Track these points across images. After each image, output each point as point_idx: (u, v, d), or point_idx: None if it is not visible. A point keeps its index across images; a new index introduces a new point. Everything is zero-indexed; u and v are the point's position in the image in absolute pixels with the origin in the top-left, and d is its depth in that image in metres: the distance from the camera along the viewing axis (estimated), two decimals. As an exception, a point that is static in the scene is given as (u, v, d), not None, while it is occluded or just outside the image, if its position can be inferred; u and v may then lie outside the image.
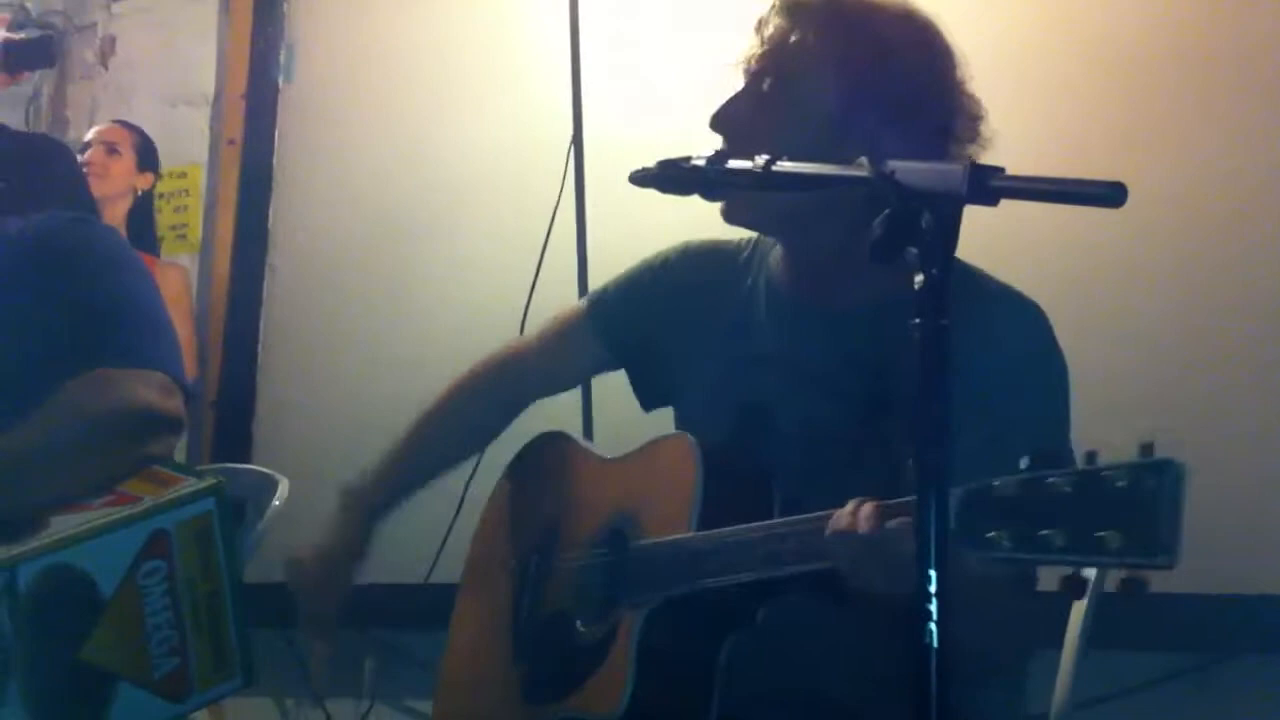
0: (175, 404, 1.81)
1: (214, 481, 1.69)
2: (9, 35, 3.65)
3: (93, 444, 1.72)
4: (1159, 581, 2.68)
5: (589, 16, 3.43)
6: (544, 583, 1.88)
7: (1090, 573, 1.89)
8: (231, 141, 4.15)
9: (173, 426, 1.81)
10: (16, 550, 1.55)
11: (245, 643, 1.71)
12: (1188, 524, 2.69)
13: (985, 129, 1.71)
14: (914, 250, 1.12)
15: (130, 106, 4.32)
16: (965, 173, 1.12)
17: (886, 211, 1.15)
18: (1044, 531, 1.11)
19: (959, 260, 1.63)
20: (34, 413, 1.71)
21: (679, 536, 1.62)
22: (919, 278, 1.11)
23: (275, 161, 4.03)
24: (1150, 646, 2.74)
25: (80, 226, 1.96)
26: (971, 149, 1.70)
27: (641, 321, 1.91)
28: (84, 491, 1.67)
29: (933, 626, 1.07)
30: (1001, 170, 1.13)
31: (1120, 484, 1.08)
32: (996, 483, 1.17)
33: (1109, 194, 1.08)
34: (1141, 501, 1.07)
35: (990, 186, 1.13)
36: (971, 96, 1.72)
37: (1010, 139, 1.73)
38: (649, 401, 1.94)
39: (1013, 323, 1.66)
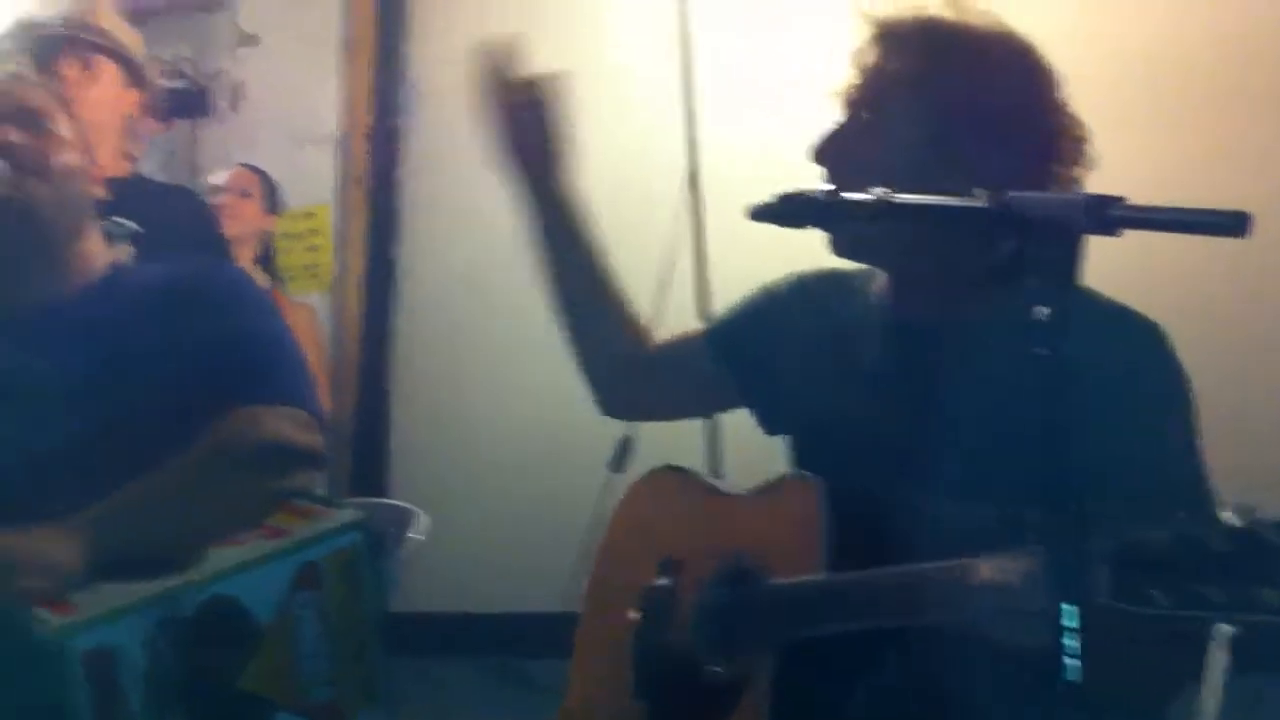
0: (315, 439, 1.86)
1: (360, 515, 1.74)
2: (166, 84, 3.77)
3: (240, 480, 1.77)
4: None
5: (701, 48, 3.46)
6: (665, 618, 1.86)
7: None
8: (358, 180, 4.24)
9: (313, 460, 1.86)
10: (176, 583, 1.61)
11: (389, 675, 1.75)
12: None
13: (1089, 149, 1.69)
14: (1034, 280, 1.12)
15: (259, 149, 4.42)
16: (1084, 203, 1.13)
17: (1007, 243, 1.16)
18: (1201, 588, 1.09)
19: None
20: (183, 452, 1.77)
21: (810, 579, 1.60)
22: (1039, 310, 1.11)
23: (401, 198, 4.11)
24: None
25: (215, 270, 2.05)
26: (1076, 170, 1.68)
27: (758, 346, 1.90)
28: (233, 525, 1.72)
29: (1072, 661, 1.07)
30: (1121, 200, 1.13)
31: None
32: (1151, 536, 1.15)
33: (1231, 223, 1.08)
34: None
35: (1110, 217, 1.13)
36: (1073, 117, 1.69)
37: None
38: (771, 426, 1.93)
39: (1132, 344, 1.62)
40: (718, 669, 1.72)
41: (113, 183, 3.11)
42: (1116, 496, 1.31)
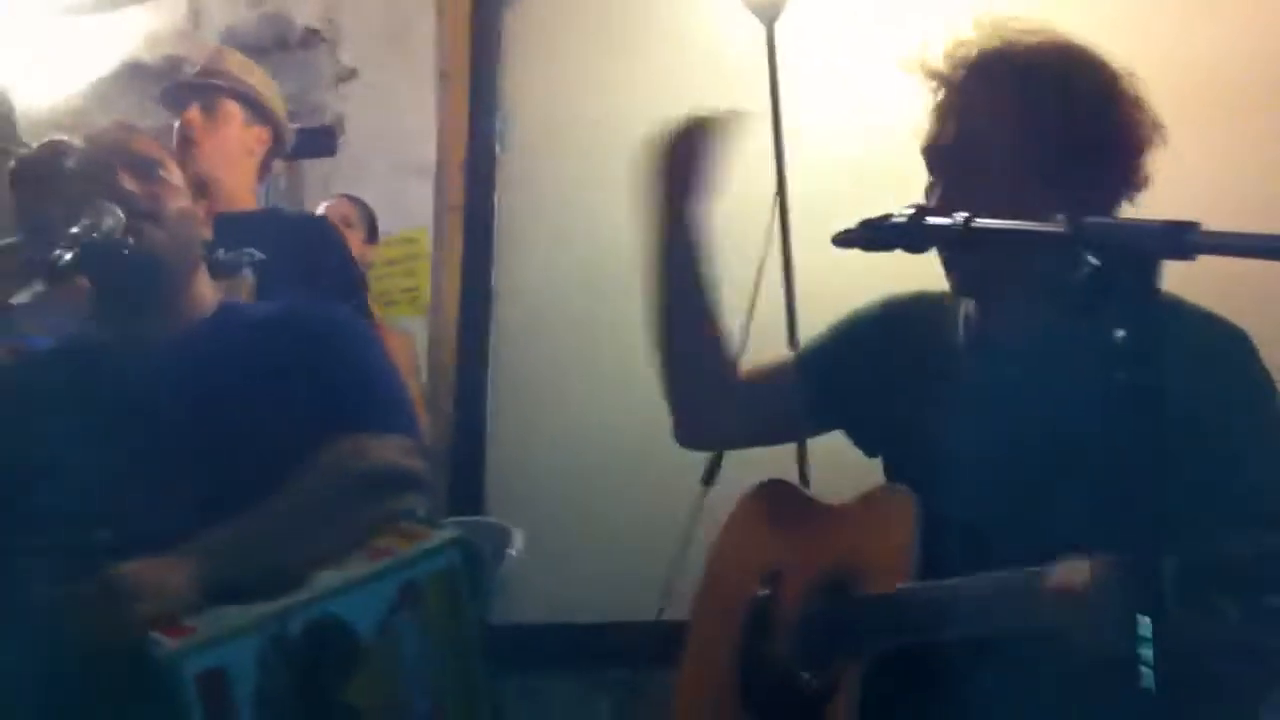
0: (417, 464, 1.95)
1: (458, 535, 1.81)
2: (295, 124, 3.90)
3: (347, 503, 1.85)
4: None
5: (789, 68, 3.51)
6: (769, 628, 1.91)
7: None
8: (454, 208, 4.33)
9: (416, 484, 1.95)
10: (284, 604, 1.69)
11: (491, 688, 1.81)
12: None
13: (1157, 135, 1.71)
14: (1112, 305, 1.15)
15: (360, 179, 4.53)
16: (1160, 230, 1.15)
17: (1088, 269, 1.17)
18: (1272, 602, 1.13)
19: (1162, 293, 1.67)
20: (294, 478, 1.86)
21: (895, 589, 1.65)
22: (1120, 333, 1.14)
23: (496, 225, 4.20)
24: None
25: (319, 307, 2.14)
26: (1141, 160, 1.71)
27: (850, 370, 1.93)
28: (341, 547, 1.80)
29: (1149, 671, 1.09)
30: (1197, 225, 1.15)
31: None
32: (1224, 549, 1.19)
33: None
34: None
35: (1185, 243, 1.14)
36: (1155, 127, 1.72)
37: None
38: (868, 448, 1.96)
39: (1218, 351, 1.64)
40: (810, 677, 1.77)
41: (245, 216, 3.27)
42: (1206, 508, 1.33)
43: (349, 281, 3.33)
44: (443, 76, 4.48)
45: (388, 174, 4.40)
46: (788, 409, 2.01)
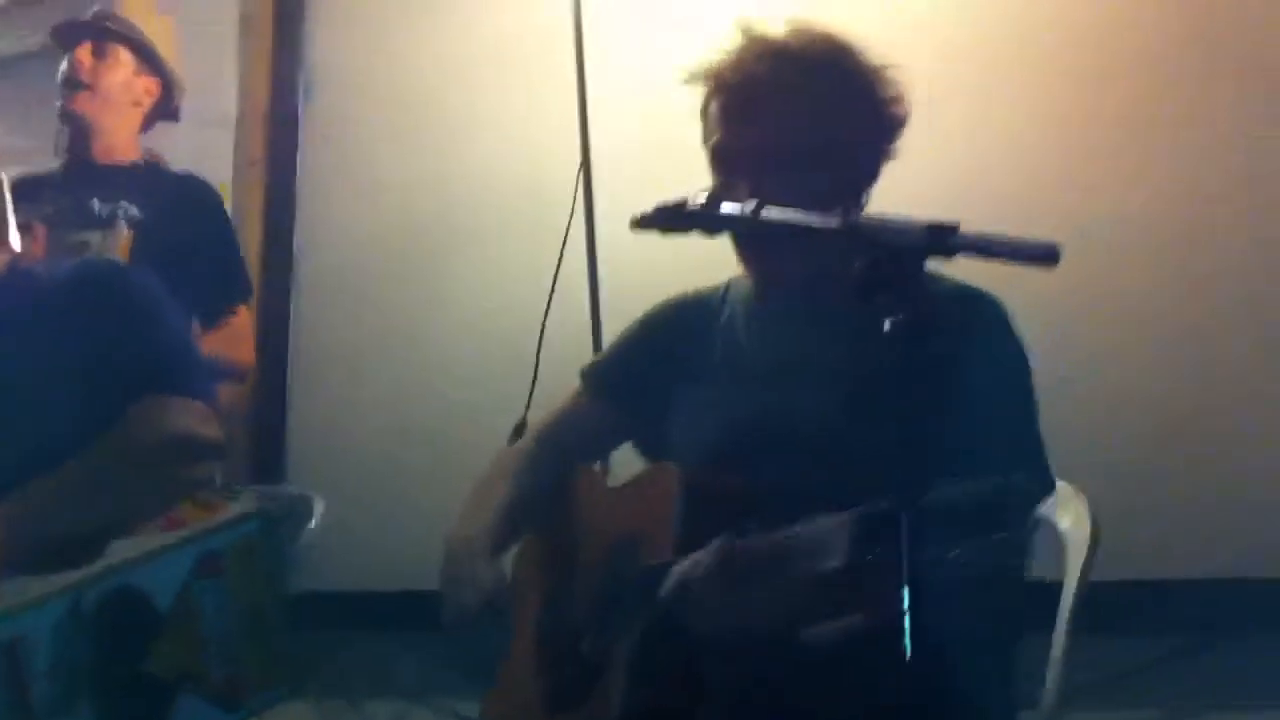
0: (215, 430, 1.94)
1: (257, 505, 1.82)
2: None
3: (143, 471, 1.85)
4: (1153, 567, 2.78)
5: (594, 32, 3.53)
6: (562, 604, 1.99)
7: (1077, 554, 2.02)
8: (254, 162, 4.23)
9: (214, 452, 1.94)
10: (80, 576, 1.69)
11: (291, 652, 1.83)
12: (1186, 512, 2.79)
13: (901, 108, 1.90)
14: (882, 295, 1.26)
15: (155, 131, 4.40)
16: (924, 230, 1.28)
17: (861, 263, 1.29)
18: (988, 540, 1.27)
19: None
20: (87, 448, 1.84)
21: (656, 563, 1.73)
22: (888, 321, 1.25)
23: (299, 180, 4.12)
24: (1144, 632, 2.82)
25: (113, 268, 2.10)
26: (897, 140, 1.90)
27: (636, 379, 2.04)
28: (138, 517, 1.80)
29: (907, 641, 1.19)
30: (956, 227, 1.28)
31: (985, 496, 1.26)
32: (951, 495, 1.34)
33: (1044, 254, 1.24)
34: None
35: (948, 243, 1.28)
36: (887, 81, 1.90)
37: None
38: (654, 454, 2.04)
39: (971, 321, 1.78)
40: (589, 650, 1.85)
41: (127, 168, 3.18)
42: (964, 468, 1.46)
43: (228, 251, 3.27)
44: (244, 21, 4.35)
45: (184, 125, 4.26)
46: (609, 429, 2.12)
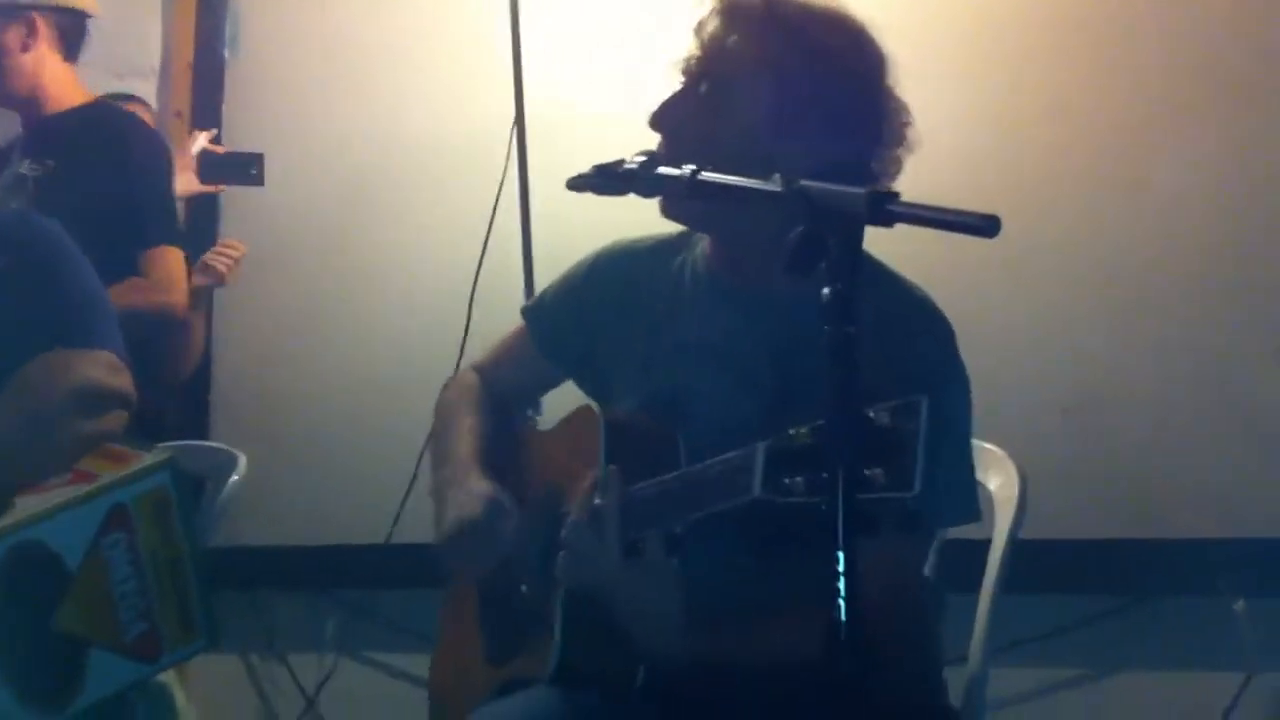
0: (123, 380, 1.89)
1: (168, 456, 1.76)
2: (209, 147, 3.67)
3: (47, 425, 1.80)
4: (1082, 527, 2.81)
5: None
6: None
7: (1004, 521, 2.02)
8: (178, 114, 4.16)
9: (123, 402, 1.88)
10: None
11: (208, 606, 1.79)
12: (1107, 473, 2.82)
13: (911, 133, 1.80)
14: (823, 264, 1.25)
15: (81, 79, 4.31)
16: (866, 197, 1.26)
17: (799, 229, 1.27)
18: (831, 473, 1.22)
19: (880, 263, 1.76)
20: None
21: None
22: (825, 290, 1.23)
23: (224, 134, 4.05)
24: (1070, 590, 2.85)
25: (18, 216, 2.06)
26: (899, 151, 1.80)
27: (576, 328, 1.99)
28: (43, 472, 1.74)
29: (841, 603, 1.18)
30: (896, 195, 1.27)
31: (884, 425, 1.26)
32: (791, 432, 1.34)
33: (983, 225, 1.22)
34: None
35: (885, 211, 1.26)
36: (899, 101, 1.80)
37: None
38: (596, 394, 2.00)
39: (920, 332, 1.75)
40: (526, 595, 1.84)
41: (61, 116, 3.09)
42: None
43: (141, 195, 3.19)
44: (169, -31, 4.25)
45: (106, 77, 4.17)
46: (546, 375, 2.09)
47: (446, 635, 2.11)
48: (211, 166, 3.61)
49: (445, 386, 2.14)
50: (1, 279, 1.89)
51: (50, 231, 2.03)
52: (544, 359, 2.06)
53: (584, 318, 1.98)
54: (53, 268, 1.95)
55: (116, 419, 1.87)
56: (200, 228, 3.95)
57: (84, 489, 1.72)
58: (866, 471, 1.24)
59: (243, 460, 2.30)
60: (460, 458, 1.97)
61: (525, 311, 2.10)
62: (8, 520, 1.65)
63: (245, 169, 3.62)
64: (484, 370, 2.13)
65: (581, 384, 2.03)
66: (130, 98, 3.87)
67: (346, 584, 3.69)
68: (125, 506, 1.71)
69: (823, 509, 1.21)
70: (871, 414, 1.27)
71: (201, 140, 3.66)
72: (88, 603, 1.69)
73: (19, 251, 1.94)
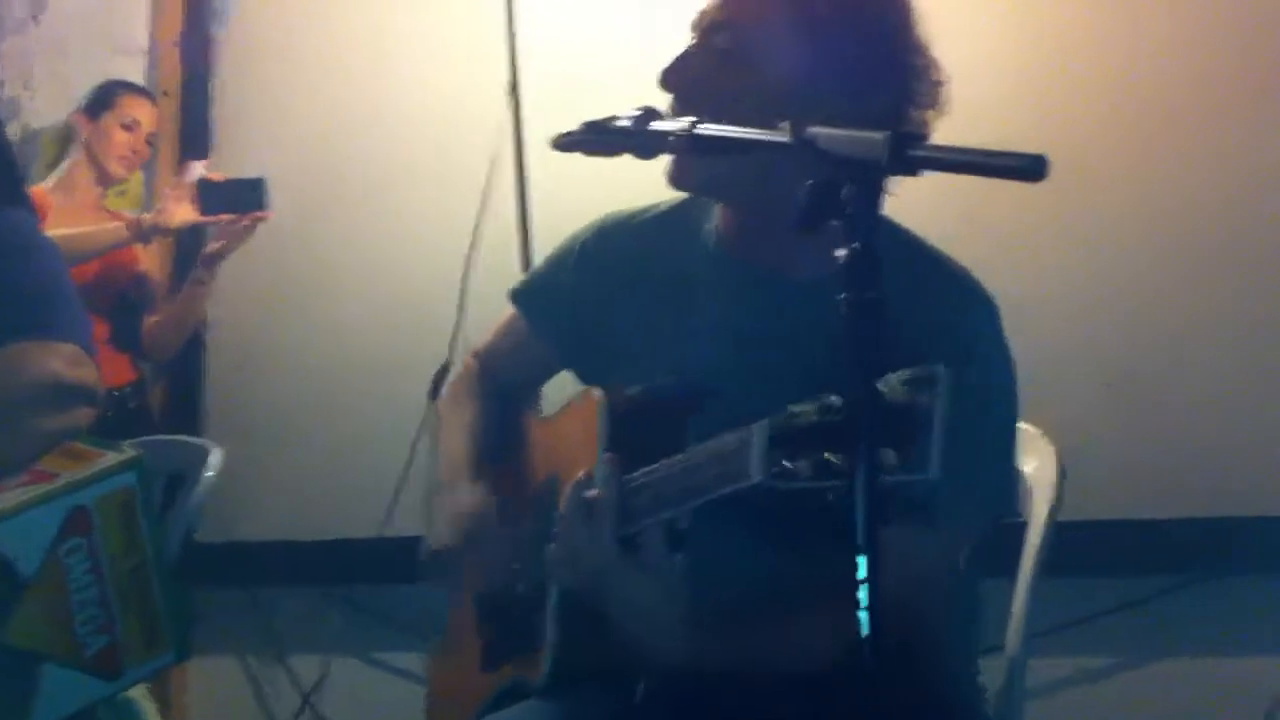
0: (87, 373, 1.76)
1: (134, 454, 1.65)
2: (208, 176, 3.53)
3: (4, 421, 1.69)
4: (1123, 507, 2.70)
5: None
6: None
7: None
8: (166, 93, 4.06)
9: (86, 397, 1.76)
10: None
11: (178, 616, 1.68)
12: (1150, 451, 2.71)
13: (945, 93, 1.64)
14: (837, 223, 1.10)
15: (66, 60, 4.21)
16: (886, 141, 1.10)
17: (809, 181, 1.12)
18: (835, 456, 1.13)
19: (915, 236, 1.61)
20: None
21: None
22: (841, 251, 1.09)
23: (213, 112, 3.96)
24: (1108, 573, 2.75)
25: None
26: (930, 114, 1.63)
27: (572, 306, 1.84)
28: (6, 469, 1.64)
29: (863, 614, 1.06)
30: (922, 138, 1.15)
31: (896, 401, 1.12)
32: (796, 412, 1.20)
33: (1028, 166, 1.06)
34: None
35: (909, 156, 1.10)
36: (933, 59, 1.64)
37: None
38: (590, 380, 1.83)
39: (960, 316, 1.59)
40: (523, 594, 1.72)
41: None
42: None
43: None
44: (157, -55, 4.16)
45: (94, 54, 4.10)
46: (546, 361, 1.95)
47: (450, 635, 1.99)
48: (213, 197, 3.45)
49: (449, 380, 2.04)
50: None
51: (8, 220, 1.90)
52: (541, 342, 1.91)
53: (582, 295, 1.83)
54: (7, 256, 1.82)
55: (80, 415, 1.75)
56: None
57: (42, 489, 1.60)
58: (888, 453, 1.11)
59: (217, 454, 2.20)
60: (452, 460, 1.86)
61: (515, 294, 1.95)
62: None
63: (248, 195, 3.47)
64: (483, 357, 2.02)
65: (576, 367, 1.89)
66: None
67: (344, 579, 3.62)
68: (86, 509, 1.61)
69: (829, 497, 1.11)
70: (883, 387, 1.12)
71: (198, 170, 3.51)
72: (43, 614, 1.58)
73: None
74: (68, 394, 1.73)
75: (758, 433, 1.25)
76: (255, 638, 3.71)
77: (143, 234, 3.43)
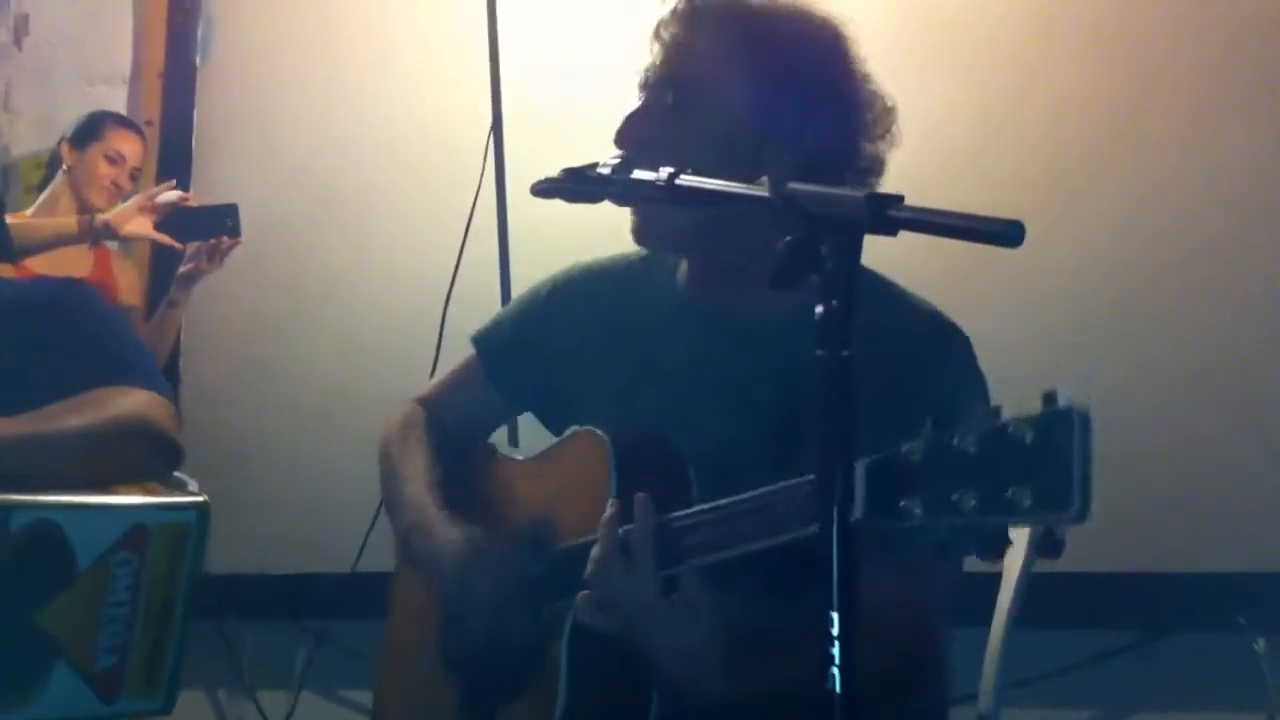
0: (168, 422, 1.89)
1: (202, 500, 1.78)
2: (180, 203, 3.50)
3: (103, 437, 1.78)
4: (1096, 560, 2.71)
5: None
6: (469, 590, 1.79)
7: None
8: (149, 122, 4.05)
9: (175, 450, 1.89)
10: (14, 497, 1.62)
11: (176, 668, 1.75)
12: (1123, 502, 2.71)
13: (894, 123, 1.67)
14: (815, 278, 1.10)
15: (47, 88, 4.20)
16: (865, 200, 1.10)
17: (787, 238, 1.12)
18: (954, 495, 1.10)
19: (879, 276, 1.64)
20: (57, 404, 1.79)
21: (590, 538, 1.55)
22: (820, 308, 1.09)
23: (195, 143, 3.95)
24: (1085, 624, 2.75)
25: (70, 287, 2.08)
26: (882, 146, 1.67)
27: (535, 358, 1.85)
28: (82, 480, 1.73)
29: (835, 671, 1.06)
30: (901, 199, 1.12)
31: (1026, 438, 1.07)
32: (904, 449, 1.16)
33: (1006, 232, 1.06)
34: (1049, 454, 1.06)
35: (889, 217, 1.11)
36: (876, 91, 1.68)
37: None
38: (557, 425, 1.85)
39: (936, 352, 1.62)
40: (515, 638, 1.68)
41: None
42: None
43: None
44: (140, -26, 4.16)
45: (76, 83, 4.08)
46: (499, 410, 1.98)
47: (395, 674, 1.94)
48: (185, 224, 3.45)
49: (388, 424, 2.00)
50: (77, 324, 1.94)
51: (88, 294, 2.07)
52: (497, 392, 1.92)
53: (545, 346, 1.84)
54: (98, 320, 2.00)
55: (165, 459, 1.88)
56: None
57: (115, 499, 1.74)
58: (1008, 492, 1.07)
59: (193, 486, 2.18)
60: (417, 503, 1.82)
61: (477, 341, 1.94)
62: (40, 497, 1.65)
63: (221, 222, 3.49)
64: (429, 403, 1.99)
65: (542, 416, 1.89)
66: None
67: (313, 614, 3.59)
68: (147, 528, 1.71)
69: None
70: (1010, 428, 1.09)
71: (171, 197, 3.48)
72: (78, 612, 1.67)
73: (86, 305, 2.00)
74: (159, 439, 1.86)
75: (863, 470, 1.20)
76: (224, 672, 3.68)
77: (93, 233, 3.40)
